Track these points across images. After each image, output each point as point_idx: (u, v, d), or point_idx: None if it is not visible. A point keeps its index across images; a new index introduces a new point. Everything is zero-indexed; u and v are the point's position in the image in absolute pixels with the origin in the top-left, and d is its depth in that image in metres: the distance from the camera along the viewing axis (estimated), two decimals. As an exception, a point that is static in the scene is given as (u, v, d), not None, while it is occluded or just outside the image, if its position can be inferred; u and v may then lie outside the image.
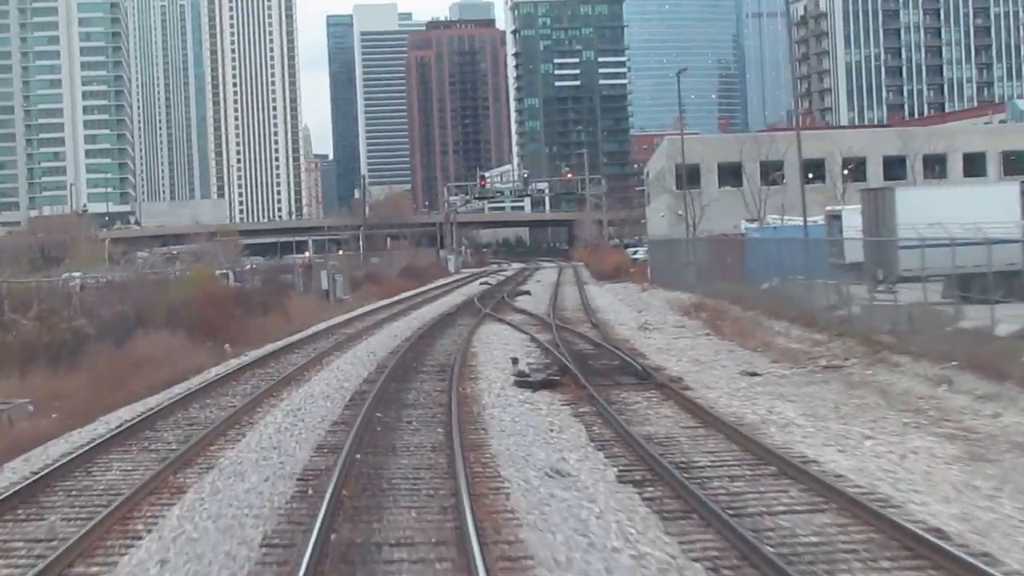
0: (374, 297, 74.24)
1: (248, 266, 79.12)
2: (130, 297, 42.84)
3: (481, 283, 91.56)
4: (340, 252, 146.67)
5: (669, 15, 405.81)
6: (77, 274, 54.05)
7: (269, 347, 41.45)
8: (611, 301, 60.63)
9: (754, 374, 27.62)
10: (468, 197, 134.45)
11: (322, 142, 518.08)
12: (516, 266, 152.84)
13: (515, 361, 30.20)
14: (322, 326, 50.88)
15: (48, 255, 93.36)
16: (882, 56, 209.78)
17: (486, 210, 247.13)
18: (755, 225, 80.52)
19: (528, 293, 70.63)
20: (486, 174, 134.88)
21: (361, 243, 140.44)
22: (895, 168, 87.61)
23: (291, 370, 32.37)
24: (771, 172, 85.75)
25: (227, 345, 42.03)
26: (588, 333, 40.95)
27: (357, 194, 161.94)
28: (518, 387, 26.79)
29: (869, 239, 43.57)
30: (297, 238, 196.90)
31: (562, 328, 42.50)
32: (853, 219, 53.55)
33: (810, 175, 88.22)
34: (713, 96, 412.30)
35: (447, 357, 34.22)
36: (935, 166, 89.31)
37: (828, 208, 63.46)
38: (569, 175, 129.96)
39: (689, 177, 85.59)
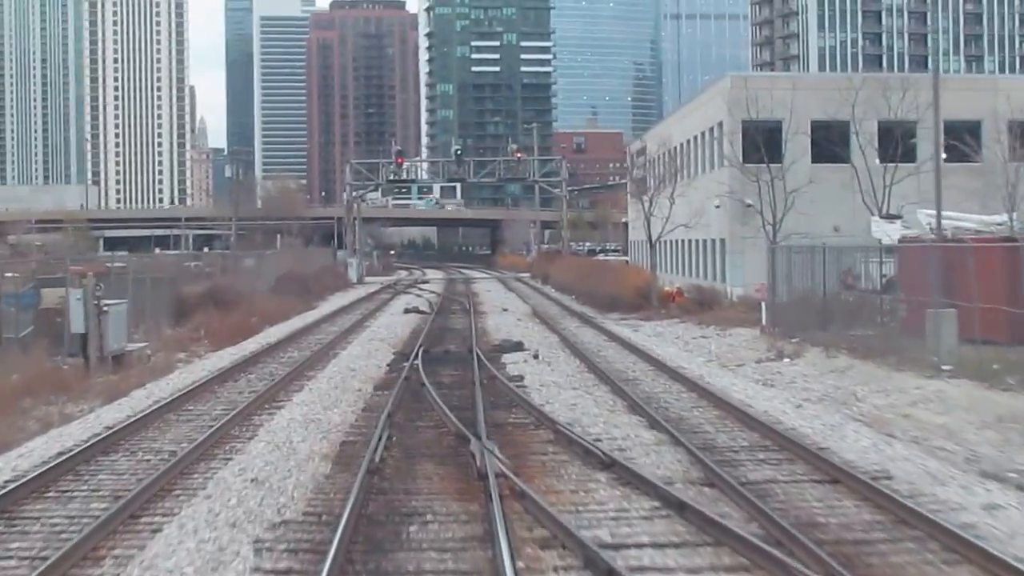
0: (204, 347, 36.44)
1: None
2: None
3: (407, 309, 53.70)
4: (205, 250, 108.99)
5: (586, 11, 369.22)
6: None
7: None
8: (840, 420, 21.40)
9: None
10: (379, 181, 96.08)
11: (221, 136, 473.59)
12: (433, 275, 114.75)
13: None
14: None
15: None
16: (860, 42, 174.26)
17: (389, 205, 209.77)
18: (896, 225, 44.96)
19: (522, 348, 33.27)
20: (398, 158, 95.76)
21: (233, 239, 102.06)
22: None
23: None
24: (900, 140, 49.02)
25: None
26: None
27: (229, 172, 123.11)
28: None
29: None
30: (176, 231, 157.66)
31: None
32: None
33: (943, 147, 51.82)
34: (628, 99, 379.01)
35: None
36: None
37: None
38: (519, 153, 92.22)
39: (765, 143, 48.92)
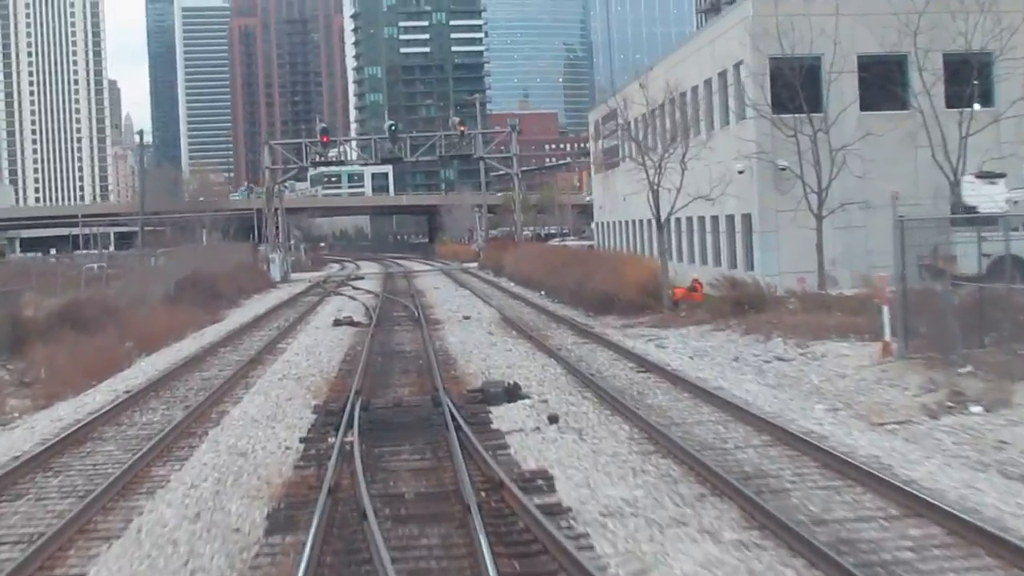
0: (30, 400, 23.54)
1: None
2: None
3: (337, 320, 40.44)
4: (111, 249, 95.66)
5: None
6: None
7: None
8: None
9: None
10: (303, 163, 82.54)
11: (148, 132, 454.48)
12: (368, 268, 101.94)
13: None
14: None
15: None
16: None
17: (319, 195, 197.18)
18: (999, 186, 33.31)
19: (519, 394, 20.53)
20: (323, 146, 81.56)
21: (140, 236, 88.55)
22: None
23: None
24: (977, 77, 36.73)
25: None
26: None
27: (131, 159, 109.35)
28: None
29: None
30: (94, 229, 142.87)
31: None
32: None
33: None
34: (560, 80, 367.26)
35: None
36: None
37: None
38: (463, 127, 79.21)
39: (802, 87, 36.63)
